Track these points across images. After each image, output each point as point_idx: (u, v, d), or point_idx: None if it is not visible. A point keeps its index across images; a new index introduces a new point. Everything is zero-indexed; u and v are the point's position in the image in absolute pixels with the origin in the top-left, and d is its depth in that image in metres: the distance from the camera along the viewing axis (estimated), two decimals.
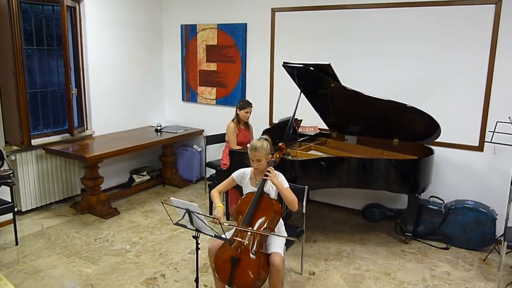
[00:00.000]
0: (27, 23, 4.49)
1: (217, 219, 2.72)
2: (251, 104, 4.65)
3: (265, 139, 2.95)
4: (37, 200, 4.61)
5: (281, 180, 2.93)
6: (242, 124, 4.66)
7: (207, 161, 5.29)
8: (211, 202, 4.65)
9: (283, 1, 4.86)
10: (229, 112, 4.75)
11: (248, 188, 3.00)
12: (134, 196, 5.27)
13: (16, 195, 4.38)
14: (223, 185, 3.10)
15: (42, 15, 4.61)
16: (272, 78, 5.13)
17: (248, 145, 3.02)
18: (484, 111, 3.99)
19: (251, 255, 2.66)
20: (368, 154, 4.13)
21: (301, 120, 4.63)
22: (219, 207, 2.87)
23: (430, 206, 4.08)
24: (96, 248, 3.87)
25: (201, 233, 2.60)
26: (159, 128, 5.56)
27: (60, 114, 4.91)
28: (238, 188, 3.16)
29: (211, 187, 4.60)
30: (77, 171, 4.95)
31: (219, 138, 5.16)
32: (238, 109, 4.63)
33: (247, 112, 4.62)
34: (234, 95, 5.43)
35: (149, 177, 5.57)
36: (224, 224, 2.69)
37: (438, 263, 3.72)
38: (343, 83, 3.85)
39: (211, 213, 4.63)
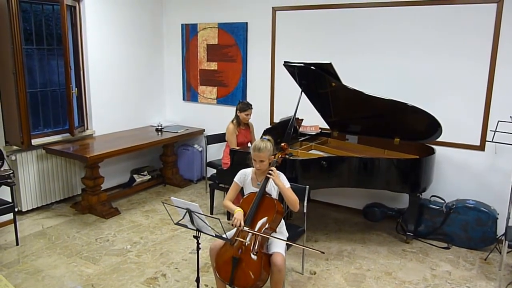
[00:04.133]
0: (27, 22, 4.48)
1: (238, 220, 2.74)
2: (251, 106, 4.59)
3: (268, 139, 2.94)
4: (38, 200, 4.61)
5: (283, 180, 2.92)
6: (242, 125, 4.59)
7: (207, 160, 5.28)
8: (212, 202, 4.64)
9: (284, 0, 4.85)
10: (230, 111, 4.74)
11: (250, 188, 2.99)
12: (135, 196, 5.27)
13: (17, 195, 4.38)
14: (230, 193, 3.05)
15: (42, 14, 4.60)
16: (273, 77, 5.12)
17: (249, 145, 3.00)
18: (485, 110, 3.99)
19: (253, 255, 2.66)
20: (369, 153, 4.12)
21: (302, 120, 4.63)
22: (239, 211, 2.81)
23: (431, 206, 4.08)
24: (97, 248, 3.87)
25: (202, 233, 2.60)
26: (159, 127, 5.55)
27: (60, 113, 4.90)
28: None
29: (212, 187, 4.60)
30: (78, 171, 4.94)
31: (219, 138, 5.15)
32: (238, 111, 4.56)
33: (247, 115, 4.56)
34: (235, 95, 5.42)
35: (149, 177, 5.56)
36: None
37: (439, 262, 3.72)
38: (344, 82, 3.84)
39: (212, 213, 4.63)
